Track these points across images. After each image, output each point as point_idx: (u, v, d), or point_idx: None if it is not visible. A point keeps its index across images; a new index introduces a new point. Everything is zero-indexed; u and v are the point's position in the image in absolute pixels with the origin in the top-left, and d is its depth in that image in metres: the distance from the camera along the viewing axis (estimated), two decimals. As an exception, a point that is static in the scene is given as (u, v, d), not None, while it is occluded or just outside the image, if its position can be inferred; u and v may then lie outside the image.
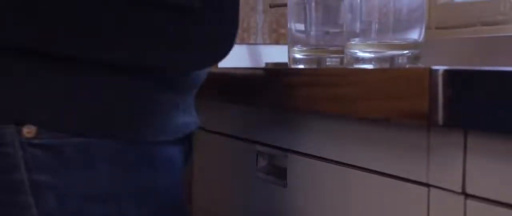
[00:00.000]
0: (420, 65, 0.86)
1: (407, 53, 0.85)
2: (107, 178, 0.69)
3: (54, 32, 0.65)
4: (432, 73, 0.60)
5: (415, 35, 0.86)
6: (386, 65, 0.84)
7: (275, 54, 1.59)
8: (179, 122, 0.75)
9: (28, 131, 0.66)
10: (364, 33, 0.87)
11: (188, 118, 0.76)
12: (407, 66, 0.84)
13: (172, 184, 0.76)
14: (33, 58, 0.66)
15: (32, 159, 0.66)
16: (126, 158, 0.70)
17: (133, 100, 0.70)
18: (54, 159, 0.66)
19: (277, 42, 1.64)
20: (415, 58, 0.85)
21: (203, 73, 0.78)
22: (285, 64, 1.08)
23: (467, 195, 0.62)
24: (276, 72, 0.87)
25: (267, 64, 1.51)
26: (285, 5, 1.33)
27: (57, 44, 0.65)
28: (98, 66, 0.67)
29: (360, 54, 0.86)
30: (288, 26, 1.03)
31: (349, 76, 0.71)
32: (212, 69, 0.87)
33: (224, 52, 0.75)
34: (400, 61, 0.85)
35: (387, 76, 0.66)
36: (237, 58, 1.57)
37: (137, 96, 0.70)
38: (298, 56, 1.01)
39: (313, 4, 1.01)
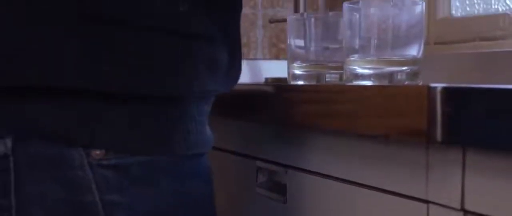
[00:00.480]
0: (419, 81, 0.86)
1: (406, 69, 0.85)
2: (170, 193, 0.72)
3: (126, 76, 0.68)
4: (431, 90, 0.61)
5: (414, 51, 0.86)
6: (385, 82, 0.85)
7: (275, 69, 1.59)
8: (209, 133, 0.79)
9: (97, 153, 0.68)
10: (363, 49, 0.87)
11: (209, 129, 0.80)
12: (406, 82, 0.85)
13: (212, 193, 0.80)
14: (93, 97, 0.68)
15: (102, 180, 0.68)
16: (183, 171, 0.74)
17: (184, 119, 0.73)
18: (123, 178, 0.69)
19: (277, 57, 1.65)
20: (414, 74, 0.85)
21: None
22: (285, 79, 1.08)
23: (466, 212, 0.62)
24: (276, 88, 0.87)
25: (267, 79, 1.51)
26: (284, 20, 1.34)
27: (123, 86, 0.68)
28: (148, 99, 0.70)
29: (359, 70, 0.86)
30: (288, 41, 1.04)
31: (348, 93, 0.72)
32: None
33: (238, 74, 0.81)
34: (399, 77, 0.85)
35: (386, 93, 0.66)
36: (237, 73, 1.57)
37: (186, 115, 0.73)
38: (297, 72, 1.01)
39: (312, 20, 1.01)
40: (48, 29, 0.65)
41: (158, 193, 0.71)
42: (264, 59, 1.64)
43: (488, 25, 1.34)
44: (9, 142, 0.66)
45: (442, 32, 1.46)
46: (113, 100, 0.68)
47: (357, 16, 0.87)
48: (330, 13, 1.03)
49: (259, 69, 1.62)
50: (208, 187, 0.79)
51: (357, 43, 0.87)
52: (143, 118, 0.70)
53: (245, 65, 1.62)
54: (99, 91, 0.66)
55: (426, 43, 1.45)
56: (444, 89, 0.60)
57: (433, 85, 0.61)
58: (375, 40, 0.87)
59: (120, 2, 0.67)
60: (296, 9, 1.50)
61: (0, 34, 0.65)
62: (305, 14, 1.08)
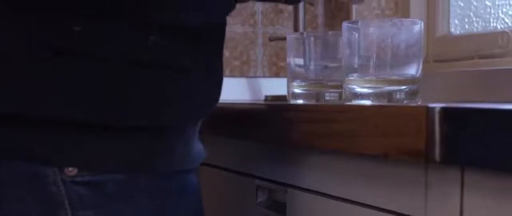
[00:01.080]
0: (418, 100, 0.86)
1: (405, 88, 0.86)
2: (150, 210, 0.73)
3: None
4: (429, 111, 0.61)
5: (412, 70, 0.86)
6: (384, 101, 0.85)
7: (275, 86, 1.60)
8: (198, 149, 0.80)
9: (69, 170, 0.70)
10: (362, 69, 0.87)
11: (200, 145, 0.81)
12: (405, 101, 0.85)
13: (200, 209, 0.80)
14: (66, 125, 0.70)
15: (75, 196, 0.70)
16: (164, 189, 0.74)
17: (165, 138, 0.74)
18: (97, 195, 0.70)
19: (276, 75, 1.65)
20: (413, 94, 0.86)
21: None
22: (285, 96, 1.08)
23: (464, 231, 0.62)
24: (275, 107, 0.88)
25: (266, 96, 1.52)
26: (284, 38, 1.34)
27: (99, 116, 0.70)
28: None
29: (358, 89, 0.87)
30: (287, 60, 1.04)
31: (348, 113, 0.72)
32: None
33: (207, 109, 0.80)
34: (398, 96, 0.85)
35: (385, 113, 0.67)
36: (237, 91, 1.58)
37: (167, 134, 0.74)
38: (297, 90, 1.01)
39: (312, 39, 1.02)
40: (23, 63, 0.68)
41: (136, 211, 0.72)
42: (264, 76, 1.65)
43: (487, 43, 1.34)
44: None
45: (441, 50, 1.46)
46: (87, 124, 0.70)
47: (356, 35, 0.88)
48: (330, 32, 1.04)
49: (259, 87, 1.62)
50: (195, 204, 0.79)
51: (356, 62, 0.88)
52: (117, 140, 0.71)
53: (245, 82, 1.62)
54: (71, 119, 0.69)
55: (426, 61, 1.46)
56: (443, 110, 0.60)
57: (431, 105, 0.61)
58: (374, 60, 0.87)
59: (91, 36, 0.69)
60: (296, 28, 1.51)
61: None
62: (304, 33, 1.09)
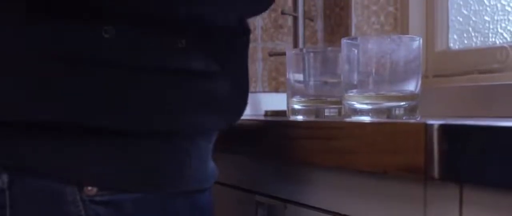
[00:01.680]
0: (418, 116, 0.87)
1: (404, 104, 0.86)
2: None
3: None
4: (428, 128, 0.61)
5: (411, 86, 0.87)
6: (384, 117, 0.85)
7: (275, 101, 1.60)
8: (212, 167, 0.79)
9: (89, 189, 0.68)
10: (361, 85, 0.88)
11: (213, 164, 0.80)
12: (404, 117, 0.85)
13: None
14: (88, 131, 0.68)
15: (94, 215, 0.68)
16: (177, 208, 0.74)
17: (177, 155, 0.73)
18: (115, 214, 0.69)
19: (276, 90, 1.65)
20: (412, 110, 0.86)
21: None
22: (284, 111, 1.09)
23: (463, 248, 0.63)
24: (275, 123, 0.88)
25: (266, 111, 1.52)
26: (284, 53, 1.35)
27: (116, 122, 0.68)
28: (141, 134, 0.70)
29: (358, 105, 0.87)
30: (287, 76, 1.04)
31: (347, 130, 0.73)
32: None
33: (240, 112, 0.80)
34: (397, 112, 0.86)
35: (384, 130, 0.67)
36: (237, 106, 1.58)
37: (180, 151, 0.73)
38: (297, 106, 1.02)
39: (311, 55, 1.02)
40: (37, 66, 0.66)
41: None
42: (264, 91, 1.65)
43: (486, 58, 1.35)
44: (5, 178, 0.67)
45: (441, 65, 1.47)
46: (102, 136, 0.68)
47: (356, 51, 0.88)
48: (329, 48, 1.04)
49: (259, 102, 1.63)
50: None
51: (355, 78, 0.88)
52: (133, 154, 0.70)
53: (245, 97, 1.62)
54: (86, 126, 0.67)
55: (425, 76, 1.47)
56: (441, 127, 0.61)
57: (430, 122, 0.62)
58: (373, 76, 0.87)
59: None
60: (295, 43, 1.52)
61: None
62: (304, 49, 1.09)
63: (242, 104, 0.80)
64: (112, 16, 0.67)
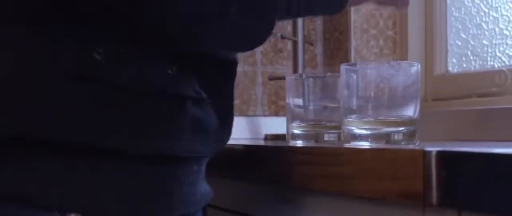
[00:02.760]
0: (416, 141, 0.87)
1: (402, 130, 0.86)
2: None
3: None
4: (426, 154, 0.62)
5: (410, 111, 0.87)
6: (383, 142, 0.86)
7: (275, 125, 1.60)
8: (202, 190, 0.78)
9: None
10: (360, 110, 0.88)
11: (206, 186, 0.80)
12: (403, 142, 0.86)
13: None
14: (75, 155, 0.67)
15: None
16: None
17: (167, 180, 0.73)
18: None
19: (276, 114, 1.66)
20: (410, 135, 0.87)
21: None
22: (284, 135, 1.09)
23: None
24: (275, 149, 0.88)
25: (266, 135, 1.53)
26: (284, 77, 1.35)
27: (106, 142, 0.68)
28: (132, 158, 0.69)
29: (357, 131, 0.88)
30: (287, 101, 1.05)
31: (346, 156, 0.73)
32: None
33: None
34: (396, 137, 0.86)
35: (382, 156, 0.68)
36: (237, 130, 1.59)
37: (169, 176, 0.73)
38: (296, 131, 1.02)
39: (311, 80, 1.03)
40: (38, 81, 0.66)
41: None
42: (264, 115, 1.66)
43: (485, 82, 1.36)
44: None
45: (439, 89, 1.47)
46: (85, 159, 0.67)
47: (355, 77, 0.89)
48: (328, 74, 1.05)
49: (259, 126, 1.63)
50: None
51: (354, 103, 0.89)
52: (119, 180, 0.69)
53: (244, 121, 1.63)
54: (67, 145, 0.65)
55: (424, 100, 1.47)
56: (439, 153, 0.61)
57: (428, 149, 0.62)
58: (372, 101, 0.88)
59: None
60: (295, 67, 1.52)
61: None
62: (303, 75, 1.10)
63: (227, 133, 0.80)
64: (104, 36, 0.68)
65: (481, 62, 1.41)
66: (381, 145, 0.85)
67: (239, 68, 1.68)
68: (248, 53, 1.64)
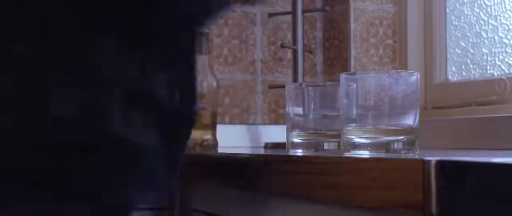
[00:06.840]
0: (416, 149, 0.87)
1: (402, 138, 0.87)
2: None
3: None
4: (425, 164, 0.62)
5: (410, 120, 0.88)
6: (382, 151, 0.86)
7: (275, 133, 1.61)
8: None
9: None
10: (360, 119, 0.89)
11: None
12: (403, 151, 0.86)
13: None
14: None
15: None
16: None
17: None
18: None
19: (276, 122, 1.66)
20: (410, 143, 0.87)
21: None
22: (283, 143, 1.09)
23: None
24: (274, 158, 0.88)
25: (266, 143, 1.53)
26: (284, 86, 1.35)
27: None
28: None
29: (357, 139, 0.88)
30: (286, 110, 1.05)
31: (345, 165, 0.73)
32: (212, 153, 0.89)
33: None
34: (396, 146, 0.86)
35: (382, 166, 0.68)
36: (236, 138, 1.59)
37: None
38: (296, 140, 1.02)
39: (310, 89, 1.03)
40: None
41: None
42: (264, 124, 1.66)
43: (484, 90, 1.36)
44: None
45: (439, 97, 1.48)
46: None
47: (354, 86, 0.89)
48: (328, 83, 1.05)
49: (259, 134, 1.63)
50: None
51: (354, 112, 0.89)
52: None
53: (244, 130, 1.63)
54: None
55: (424, 108, 1.47)
56: (439, 163, 0.61)
57: (427, 158, 0.62)
58: (372, 110, 0.88)
59: None
60: (295, 75, 1.52)
61: None
62: (303, 84, 1.10)
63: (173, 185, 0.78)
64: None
65: (480, 71, 1.41)
66: (381, 155, 0.85)
67: (239, 77, 1.69)
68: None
